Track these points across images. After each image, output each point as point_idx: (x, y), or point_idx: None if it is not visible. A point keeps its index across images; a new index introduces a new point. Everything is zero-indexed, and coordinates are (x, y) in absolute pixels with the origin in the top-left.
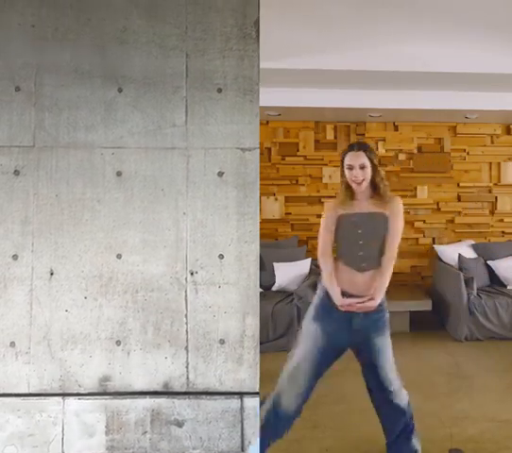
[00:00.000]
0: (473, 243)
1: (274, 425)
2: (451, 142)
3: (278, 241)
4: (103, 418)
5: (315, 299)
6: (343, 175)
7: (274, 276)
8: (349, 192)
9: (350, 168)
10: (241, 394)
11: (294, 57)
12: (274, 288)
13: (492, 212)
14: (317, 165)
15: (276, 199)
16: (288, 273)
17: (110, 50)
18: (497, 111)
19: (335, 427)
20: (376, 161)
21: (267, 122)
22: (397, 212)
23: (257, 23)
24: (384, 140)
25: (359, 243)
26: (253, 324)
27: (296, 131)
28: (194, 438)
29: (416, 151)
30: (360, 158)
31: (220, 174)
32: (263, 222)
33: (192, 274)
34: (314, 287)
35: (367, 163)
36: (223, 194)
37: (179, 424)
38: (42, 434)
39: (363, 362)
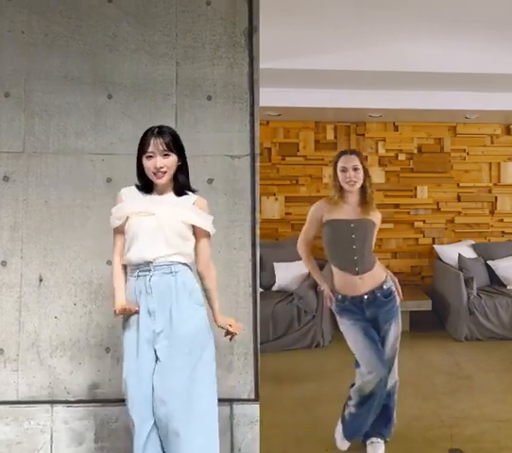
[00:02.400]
0: (473, 243)
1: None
2: (451, 142)
3: (278, 241)
4: (92, 426)
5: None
6: (335, 178)
7: (274, 276)
8: (340, 196)
9: (344, 170)
10: (230, 401)
11: (294, 57)
12: (274, 288)
13: (492, 212)
14: (317, 165)
15: (276, 199)
16: (288, 273)
17: (99, 57)
18: (497, 111)
19: (335, 427)
20: (367, 167)
21: (267, 122)
22: (379, 223)
23: (246, 31)
24: (384, 140)
25: (353, 248)
26: (245, 330)
27: (296, 131)
28: None
29: (416, 151)
30: (353, 160)
31: (210, 181)
32: (263, 222)
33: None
34: (314, 287)
35: (360, 166)
36: (212, 201)
37: None
38: (30, 442)
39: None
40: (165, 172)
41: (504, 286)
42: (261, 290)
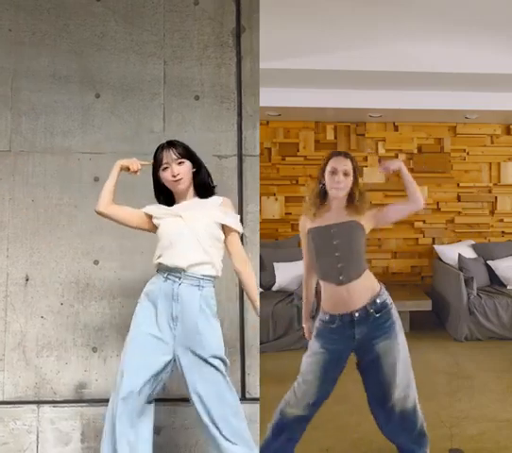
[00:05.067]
0: (473, 243)
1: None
2: (451, 142)
3: (278, 241)
4: (79, 426)
5: (317, 323)
6: (320, 180)
7: (274, 276)
8: (322, 200)
9: (334, 172)
10: None
11: (294, 57)
12: (274, 288)
13: (492, 212)
14: (317, 165)
15: (276, 199)
16: (288, 273)
17: (87, 56)
18: (497, 111)
19: (335, 428)
20: (358, 172)
21: (267, 122)
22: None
23: (233, 31)
24: (384, 140)
25: (336, 255)
26: (230, 330)
27: (296, 131)
28: (170, 445)
29: (416, 151)
30: (346, 163)
31: None
32: (263, 222)
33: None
34: (314, 287)
35: (351, 171)
36: None
37: (156, 431)
38: (16, 442)
39: (362, 369)
40: (182, 178)
41: (505, 286)
42: (261, 290)
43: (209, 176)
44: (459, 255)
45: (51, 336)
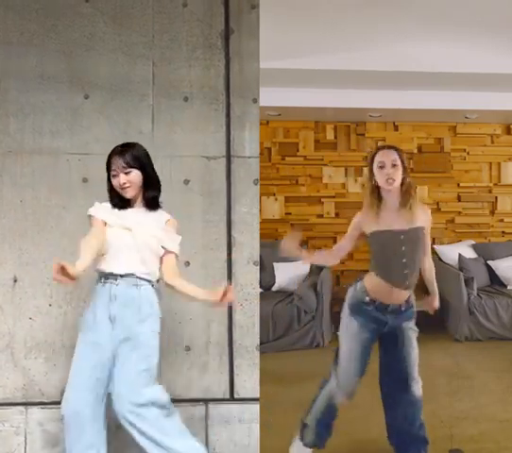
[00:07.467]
0: (473, 243)
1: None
2: (451, 142)
3: (278, 241)
4: None
5: (350, 299)
6: (371, 177)
7: (274, 276)
8: (378, 199)
9: (382, 166)
10: (206, 402)
11: (294, 57)
12: (274, 288)
13: (492, 212)
14: (317, 165)
15: (276, 199)
16: (288, 273)
17: (76, 56)
18: (497, 111)
19: (336, 428)
20: (407, 164)
21: (267, 122)
22: (429, 224)
23: (222, 33)
24: (383, 140)
25: (403, 262)
26: (218, 331)
27: (296, 131)
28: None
29: (416, 151)
30: (392, 155)
31: (186, 182)
32: (263, 222)
33: (158, 280)
34: (314, 287)
35: (399, 162)
36: (188, 202)
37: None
38: (3, 444)
39: (385, 352)
40: (129, 186)
41: (505, 286)
42: (260, 290)
43: (158, 187)
44: (459, 255)
45: (39, 337)
